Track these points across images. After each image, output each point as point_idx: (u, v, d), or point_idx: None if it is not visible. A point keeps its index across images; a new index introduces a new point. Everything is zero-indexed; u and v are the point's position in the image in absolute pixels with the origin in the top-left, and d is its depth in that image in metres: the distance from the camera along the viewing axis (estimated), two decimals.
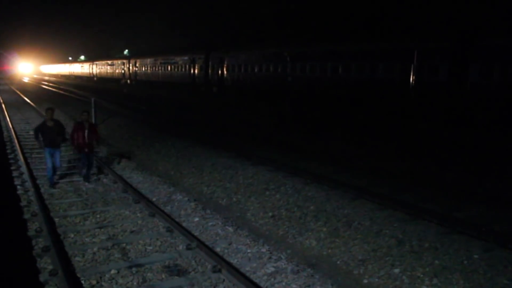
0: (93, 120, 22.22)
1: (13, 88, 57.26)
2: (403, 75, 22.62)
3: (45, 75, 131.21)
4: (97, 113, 22.24)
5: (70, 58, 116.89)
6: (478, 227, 7.95)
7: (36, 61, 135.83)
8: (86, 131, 10.90)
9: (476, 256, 6.88)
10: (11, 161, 13.23)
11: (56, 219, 8.45)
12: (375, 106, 24.16)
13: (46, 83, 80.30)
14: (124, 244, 7.37)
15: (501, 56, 18.91)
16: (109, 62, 71.95)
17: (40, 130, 10.80)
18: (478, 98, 19.71)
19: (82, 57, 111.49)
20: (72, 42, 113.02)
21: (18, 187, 10.53)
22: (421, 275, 6.39)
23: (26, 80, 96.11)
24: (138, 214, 8.92)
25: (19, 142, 15.81)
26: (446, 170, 12.48)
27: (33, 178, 11.07)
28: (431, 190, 10.45)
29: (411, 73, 22.29)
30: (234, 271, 6.20)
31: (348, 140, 17.55)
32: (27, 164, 12.56)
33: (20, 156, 13.39)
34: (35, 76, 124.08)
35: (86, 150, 11.02)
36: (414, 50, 22.17)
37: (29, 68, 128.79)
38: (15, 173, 11.76)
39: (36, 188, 10.26)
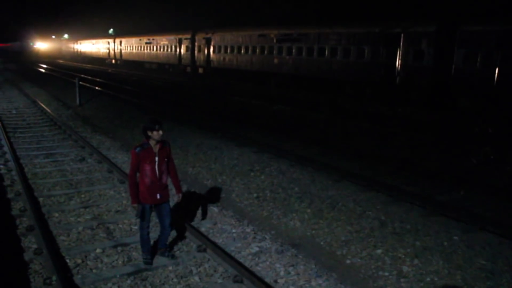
0: (77, 100, 21.91)
1: None
2: (389, 59, 22.70)
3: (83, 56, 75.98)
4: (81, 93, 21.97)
5: (53, 37, 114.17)
6: (458, 210, 8.14)
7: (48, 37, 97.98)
8: (157, 160, 5.75)
9: (455, 238, 7.05)
10: None
11: (41, 199, 8.41)
12: (360, 90, 24.27)
13: None
14: (109, 224, 7.38)
15: (485, 42, 19.07)
16: (93, 41, 70.84)
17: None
18: (462, 83, 19.91)
19: (66, 36, 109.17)
20: (56, 20, 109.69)
21: (1, 166, 10.42)
22: (403, 256, 6.53)
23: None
24: (123, 194, 8.90)
25: (1, 120, 15.59)
26: (429, 154, 12.67)
27: (16, 157, 10.95)
28: (414, 173, 10.63)
29: (397, 57, 22.38)
30: (219, 250, 6.27)
31: (332, 123, 17.66)
32: (10, 143, 12.42)
33: (3, 135, 13.23)
34: (60, 61, 78.50)
35: (159, 197, 5.86)
36: (401, 34, 22.21)
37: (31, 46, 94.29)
38: None
39: (20, 167, 10.17)
